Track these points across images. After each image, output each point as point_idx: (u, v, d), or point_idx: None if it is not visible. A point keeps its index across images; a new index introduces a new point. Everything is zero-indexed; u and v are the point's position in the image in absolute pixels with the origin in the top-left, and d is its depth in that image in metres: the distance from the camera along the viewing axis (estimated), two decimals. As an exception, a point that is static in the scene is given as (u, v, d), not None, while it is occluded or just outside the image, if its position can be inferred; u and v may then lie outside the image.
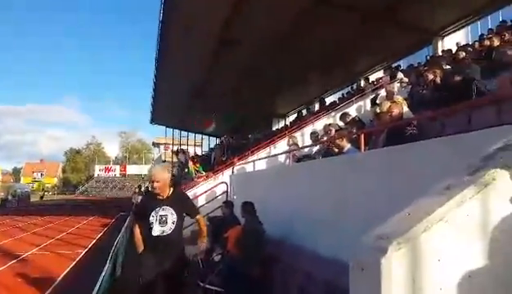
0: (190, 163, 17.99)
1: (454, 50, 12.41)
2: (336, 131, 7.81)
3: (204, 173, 15.90)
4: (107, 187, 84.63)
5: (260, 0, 13.03)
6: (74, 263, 10.18)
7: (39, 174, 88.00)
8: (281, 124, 28.12)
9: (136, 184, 59.64)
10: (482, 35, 11.92)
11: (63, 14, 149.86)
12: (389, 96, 9.18)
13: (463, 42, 13.40)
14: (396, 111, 5.30)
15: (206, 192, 11.55)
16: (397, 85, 10.79)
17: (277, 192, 7.33)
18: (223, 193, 11.08)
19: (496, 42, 8.49)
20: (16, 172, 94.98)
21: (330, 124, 8.18)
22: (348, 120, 8.69)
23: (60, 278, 8.46)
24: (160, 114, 31.82)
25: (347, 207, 4.89)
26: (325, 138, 9.01)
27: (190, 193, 11.62)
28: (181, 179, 17.29)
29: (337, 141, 5.65)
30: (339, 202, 5.05)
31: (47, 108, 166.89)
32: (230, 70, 19.25)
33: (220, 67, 18.68)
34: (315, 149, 8.40)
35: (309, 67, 18.66)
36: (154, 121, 35.15)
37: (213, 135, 36.20)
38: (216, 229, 8.14)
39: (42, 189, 75.46)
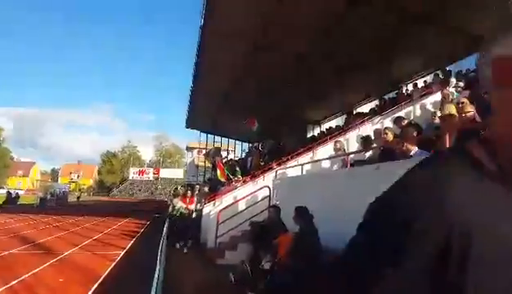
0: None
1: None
2: (396, 134, 7.39)
3: (240, 177, 15.62)
4: (140, 189, 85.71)
5: (296, 5, 12.88)
6: (114, 263, 10.06)
7: (76, 175, 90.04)
8: (316, 131, 27.81)
9: (168, 187, 60.21)
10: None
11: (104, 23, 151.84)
12: (446, 101, 8.73)
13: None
14: (471, 112, 4.85)
15: (247, 196, 11.23)
16: (452, 89, 10.24)
17: (331, 198, 6.94)
18: (265, 197, 10.77)
19: None
20: (54, 173, 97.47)
21: (386, 128, 7.74)
22: (404, 124, 8.22)
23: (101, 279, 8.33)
24: (195, 119, 32.06)
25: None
26: (374, 143, 8.63)
27: (229, 197, 11.51)
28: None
29: (406, 144, 5.23)
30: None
31: (84, 112, 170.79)
32: (265, 76, 19.20)
33: (255, 73, 18.69)
34: (367, 154, 7.98)
35: (345, 74, 18.36)
36: (189, 125, 35.47)
37: (246, 141, 36.33)
38: (260, 235, 7.84)
39: (79, 190, 76.96)
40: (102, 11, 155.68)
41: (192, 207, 12.68)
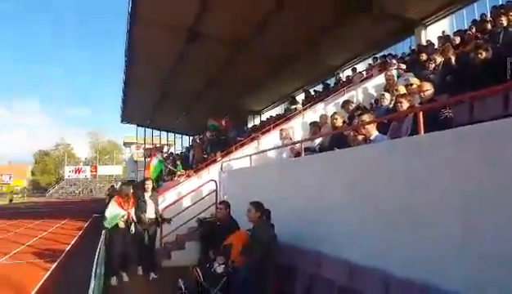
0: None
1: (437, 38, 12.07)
2: (352, 118, 7.15)
3: (183, 171, 15.06)
4: (78, 188, 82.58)
5: None
6: (48, 273, 9.25)
7: (8, 177, 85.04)
8: (257, 120, 27.83)
9: (107, 184, 58.32)
10: (482, 16, 11.44)
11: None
12: (390, 83, 8.63)
13: (448, 32, 12.92)
14: (429, 90, 4.63)
15: (192, 191, 10.68)
16: (394, 72, 10.19)
17: (284, 189, 6.60)
18: (212, 191, 10.29)
19: (505, 22, 7.90)
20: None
21: (335, 113, 7.49)
22: (352, 108, 8.02)
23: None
24: (130, 113, 31.22)
25: (377, 205, 4.20)
26: (321, 130, 8.39)
27: (173, 193, 10.92)
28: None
29: (367, 128, 4.94)
30: (367, 200, 4.36)
31: (8, 109, 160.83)
32: (200, 67, 19.19)
33: (190, 63, 18.88)
34: (317, 140, 7.69)
35: (284, 62, 18.47)
36: (124, 120, 34.36)
37: (185, 134, 35.79)
38: (209, 234, 7.39)
39: (11, 192, 72.79)
40: None
41: (132, 211, 7.93)
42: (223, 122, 17.68)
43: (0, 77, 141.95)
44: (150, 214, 8.20)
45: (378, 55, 16.06)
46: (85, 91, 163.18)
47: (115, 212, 7.82)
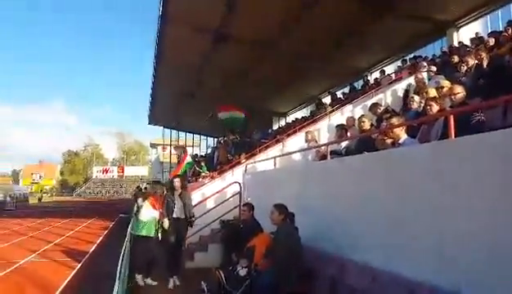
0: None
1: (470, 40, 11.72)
2: (380, 121, 6.98)
3: (207, 173, 15.11)
4: (105, 188, 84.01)
5: None
6: (74, 271, 9.35)
7: (38, 176, 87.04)
8: (282, 122, 27.69)
9: (134, 185, 59.07)
10: (510, 22, 10.99)
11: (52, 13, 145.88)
12: (420, 86, 8.42)
13: (482, 34, 12.49)
14: (460, 93, 4.45)
15: (216, 193, 10.62)
16: (425, 74, 9.94)
17: (309, 192, 6.47)
18: (236, 194, 10.19)
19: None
20: (15, 175, 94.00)
21: (362, 115, 7.31)
22: (380, 110, 7.85)
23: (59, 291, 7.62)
24: (158, 115, 31.62)
25: (409, 214, 4.04)
26: (348, 133, 8.23)
27: (197, 194, 10.86)
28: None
29: (396, 131, 4.78)
30: (399, 207, 4.20)
31: (39, 109, 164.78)
32: (226, 68, 19.19)
33: (216, 64, 18.90)
34: (343, 144, 7.53)
35: (310, 63, 18.31)
36: (151, 122, 34.74)
37: (210, 136, 35.92)
38: (233, 236, 7.30)
39: (41, 191, 74.44)
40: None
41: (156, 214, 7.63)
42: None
43: (26, 77, 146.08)
44: (178, 213, 7.62)
45: (407, 58, 15.69)
46: (111, 91, 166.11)
47: (151, 216, 7.56)
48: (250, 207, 6.64)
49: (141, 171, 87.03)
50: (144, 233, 7.43)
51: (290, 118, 26.65)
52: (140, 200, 8.17)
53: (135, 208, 8.51)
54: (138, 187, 32.18)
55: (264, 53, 17.46)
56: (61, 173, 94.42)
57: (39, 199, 59.87)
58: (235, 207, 9.81)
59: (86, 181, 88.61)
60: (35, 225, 21.30)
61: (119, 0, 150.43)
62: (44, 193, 73.86)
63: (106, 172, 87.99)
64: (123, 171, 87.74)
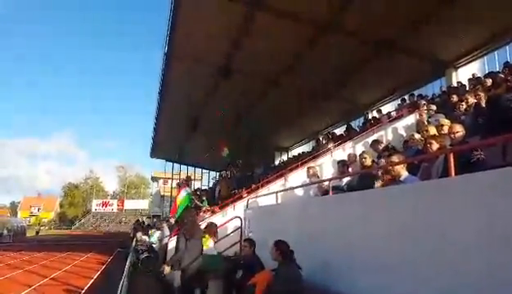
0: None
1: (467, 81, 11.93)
2: (381, 158, 7.01)
3: (208, 207, 15.02)
4: (103, 222, 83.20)
5: (261, 32, 13.43)
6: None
7: (36, 208, 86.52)
8: (284, 157, 27.74)
9: (133, 219, 58.59)
10: (507, 63, 11.23)
11: (62, 48, 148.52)
12: (420, 124, 8.50)
13: (479, 75, 12.76)
14: (460, 132, 4.50)
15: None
16: (424, 113, 10.05)
17: (312, 228, 6.41)
18: (237, 228, 10.11)
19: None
20: (14, 207, 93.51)
21: (363, 152, 7.35)
22: (381, 147, 7.90)
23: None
24: (160, 148, 31.58)
25: (417, 250, 3.98)
26: (349, 169, 8.26)
27: (198, 229, 10.74)
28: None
29: (397, 168, 4.80)
30: (407, 243, 4.14)
31: (44, 142, 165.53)
32: (229, 103, 19.37)
33: (220, 100, 19.14)
34: (345, 179, 7.54)
35: (312, 100, 18.60)
36: (154, 155, 34.81)
37: (212, 169, 35.92)
38: (233, 272, 7.19)
39: (39, 224, 73.86)
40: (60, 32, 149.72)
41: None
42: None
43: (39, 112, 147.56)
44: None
45: (406, 96, 15.88)
46: (114, 124, 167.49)
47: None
48: (251, 242, 6.58)
49: (142, 204, 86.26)
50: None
51: (292, 153, 26.75)
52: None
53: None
54: (137, 220, 32.05)
55: (267, 89, 17.73)
56: (61, 206, 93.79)
57: (37, 232, 59.42)
58: (237, 243, 9.70)
59: (85, 214, 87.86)
60: (31, 259, 21.05)
61: (120, 39, 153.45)
62: (42, 226, 73.29)
63: (106, 206, 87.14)
64: (122, 205, 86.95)
